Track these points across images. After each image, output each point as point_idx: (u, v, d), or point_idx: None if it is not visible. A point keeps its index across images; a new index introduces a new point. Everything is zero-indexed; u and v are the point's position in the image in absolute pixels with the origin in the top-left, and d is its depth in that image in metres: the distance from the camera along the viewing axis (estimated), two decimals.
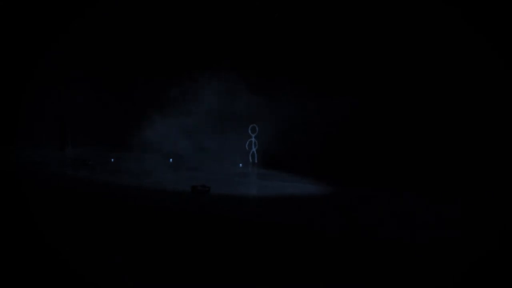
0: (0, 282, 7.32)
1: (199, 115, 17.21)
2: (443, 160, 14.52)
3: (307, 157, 16.32)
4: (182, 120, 17.28)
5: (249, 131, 17.70)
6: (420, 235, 9.78)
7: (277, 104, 16.96)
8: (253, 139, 17.77)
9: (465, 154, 14.38)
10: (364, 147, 15.77)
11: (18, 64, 17.87)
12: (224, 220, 10.84)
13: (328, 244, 9.26)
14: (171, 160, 17.59)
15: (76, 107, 18.78)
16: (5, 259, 8.10)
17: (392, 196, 13.14)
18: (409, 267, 8.19)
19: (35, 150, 17.83)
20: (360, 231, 10.14)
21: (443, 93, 14.90)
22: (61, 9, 17.53)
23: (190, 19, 17.52)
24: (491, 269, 7.99)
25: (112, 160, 17.29)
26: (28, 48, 17.79)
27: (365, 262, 8.37)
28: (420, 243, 9.34)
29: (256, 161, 17.78)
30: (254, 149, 17.78)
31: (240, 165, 17.46)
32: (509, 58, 13.81)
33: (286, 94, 16.85)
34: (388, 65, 15.64)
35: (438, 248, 9.04)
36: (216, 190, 13.27)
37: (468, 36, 14.23)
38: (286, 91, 16.86)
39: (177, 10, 17.52)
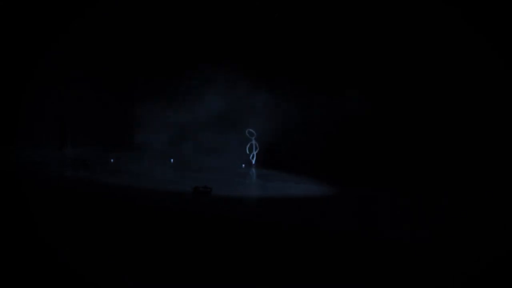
0: (0, 282, 7.31)
1: (199, 115, 17.20)
2: (443, 160, 14.52)
3: (307, 157, 16.32)
4: (182, 120, 17.27)
5: (247, 135, 17.67)
6: (420, 235, 9.77)
7: (277, 104, 16.96)
8: (253, 142, 17.74)
9: (465, 154, 14.38)
10: (364, 147, 15.77)
11: (18, 64, 17.84)
12: (225, 220, 10.83)
13: (328, 244, 9.25)
14: (172, 160, 17.58)
15: (76, 107, 18.77)
16: (5, 259, 8.09)
17: (392, 196, 13.13)
18: (409, 267, 8.18)
19: (35, 150, 17.80)
20: (361, 231, 10.14)
21: (443, 93, 14.91)
22: (61, 9, 17.51)
23: (190, 18, 17.51)
24: (491, 269, 7.98)
25: (112, 160, 17.28)
26: (28, 48, 17.76)
27: (365, 262, 8.37)
28: (420, 243, 9.34)
29: (255, 162, 17.76)
30: (255, 152, 17.74)
31: (243, 165, 17.44)
32: (509, 58, 13.81)
33: (287, 94, 16.85)
34: (388, 65, 15.64)
35: (438, 248, 9.03)
36: (217, 191, 13.25)
37: (468, 36, 14.23)
38: (286, 91, 16.87)
39: (177, 10, 17.51)
